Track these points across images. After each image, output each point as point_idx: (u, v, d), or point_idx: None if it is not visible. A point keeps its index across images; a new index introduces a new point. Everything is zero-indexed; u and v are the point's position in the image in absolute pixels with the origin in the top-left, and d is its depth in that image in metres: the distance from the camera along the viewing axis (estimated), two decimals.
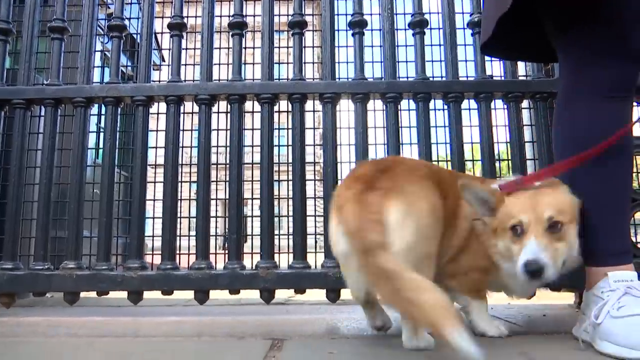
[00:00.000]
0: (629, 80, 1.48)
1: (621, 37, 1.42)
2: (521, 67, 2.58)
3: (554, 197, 1.39)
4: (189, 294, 2.17)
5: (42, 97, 2.29)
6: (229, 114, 2.34)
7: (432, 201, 1.37)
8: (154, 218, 2.84)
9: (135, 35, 3.19)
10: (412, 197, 1.33)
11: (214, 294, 2.30)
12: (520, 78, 2.48)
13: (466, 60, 2.65)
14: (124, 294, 2.16)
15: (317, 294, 2.25)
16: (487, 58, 2.31)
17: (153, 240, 2.87)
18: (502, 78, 2.37)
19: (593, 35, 1.45)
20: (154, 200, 3.06)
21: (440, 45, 2.53)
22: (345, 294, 2.21)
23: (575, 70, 1.53)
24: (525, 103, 2.40)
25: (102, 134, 2.39)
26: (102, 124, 2.72)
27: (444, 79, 2.37)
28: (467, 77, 2.55)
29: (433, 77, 2.44)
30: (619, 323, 1.32)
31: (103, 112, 2.52)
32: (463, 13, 2.73)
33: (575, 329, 1.50)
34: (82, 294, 2.24)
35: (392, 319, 1.64)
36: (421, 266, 1.25)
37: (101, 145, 2.37)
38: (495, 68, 2.48)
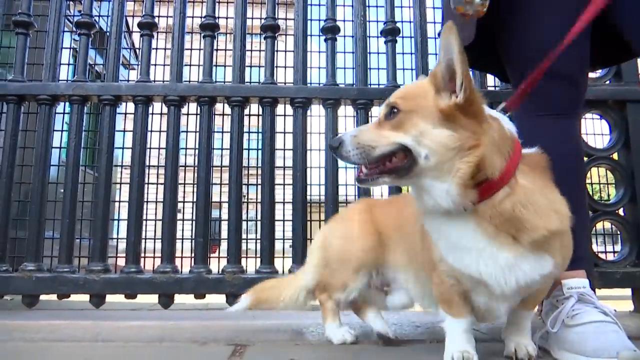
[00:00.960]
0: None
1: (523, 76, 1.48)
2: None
3: (408, 86, 1.33)
4: (155, 298, 2.14)
5: (5, 94, 2.23)
6: (198, 116, 2.32)
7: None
8: (118, 220, 2.78)
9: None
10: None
11: (181, 299, 2.27)
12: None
13: None
14: (86, 297, 2.11)
15: None
16: None
17: (117, 242, 2.81)
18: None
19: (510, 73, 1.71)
20: (119, 201, 3.01)
21: (411, 53, 2.56)
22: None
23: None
24: None
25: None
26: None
27: None
28: None
29: (404, 84, 2.45)
30: (573, 331, 1.36)
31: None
32: (435, 23, 2.77)
33: (535, 336, 1.53)
34: (44, 297, 2.18)
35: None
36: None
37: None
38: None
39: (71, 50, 3.16)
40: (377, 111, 2.47)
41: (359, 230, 1.58)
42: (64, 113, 2.55)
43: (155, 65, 2.97)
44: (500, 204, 1.10)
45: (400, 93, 1.20)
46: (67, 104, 2.34)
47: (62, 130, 2.58)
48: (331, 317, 1.63)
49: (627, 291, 2.29)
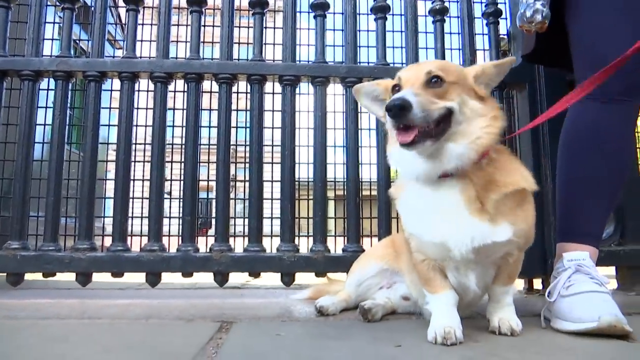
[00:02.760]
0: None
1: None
2: None
3: (439, 61, 1.45)
4: (143, 278, 2.13)
5: None
6: (185, 93, 2.28)
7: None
8: (104, 198, 2.76)
9: None
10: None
11: (169, 278, 2.26)
12: None
13: (427, 48, 2.66)
14: (73, 277, 2.10)
15: (274, 279, 2.24)
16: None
17: (104, 221, 2.79)
18: None
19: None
20: (105, 180, 2.98)
21: (401, 31, 2.53)
22: (300, 278, 2.22)
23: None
24: None
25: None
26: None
27: (404, 65, 2.37)
28: None
29: (394, 63, 2.44)
30: (566, 301, 1.44)
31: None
32: (426, 0, 2.73)
33: (543, 309, 1.56)
34: (30, 277, 2.16)
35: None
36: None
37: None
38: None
39: (55, 25, 3.08)
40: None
41: (383, 247, 1.83)
42: (47, 89, 2.49)
43: (141, 41, 2.91)
44: (484, 169, 1.30)
45: (440, 65, 1.33)
46: (51, 80, 2.28)
47: (46, 107, 2.52)
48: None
49: (612, 270, 2.33)
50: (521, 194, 1.33)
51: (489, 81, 1.39)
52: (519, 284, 2.58)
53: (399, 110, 1.18)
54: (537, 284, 2.43)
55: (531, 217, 1.38)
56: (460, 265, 1.36)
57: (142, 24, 3.01)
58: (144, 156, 2.56)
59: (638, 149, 2.37)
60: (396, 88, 1.34)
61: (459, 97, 1.28)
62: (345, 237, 2.24)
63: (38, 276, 2.14)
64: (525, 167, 1.40)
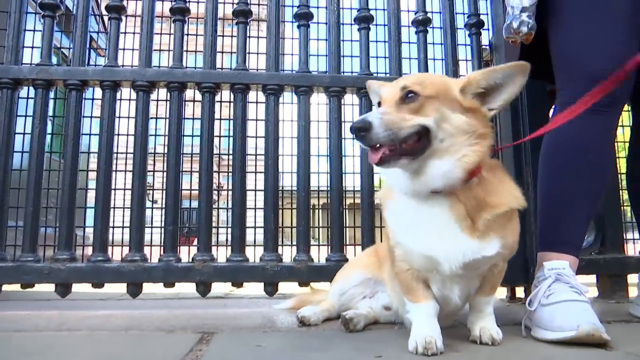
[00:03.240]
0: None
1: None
2: None
3: (421, 75, 1.42)
4: (124, 288, 2.09)
5: None
6: (168, 102, 2.27)
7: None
8: (85, 207, 2.72)
9: None
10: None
11: (151, 289, 2.23)
12: None
13: (410, 58, 2.68)
14: (52, 288, 2.06)
15: (257, 288, 2.22)
16: None
17: (84, 231, 2.75)
18: None
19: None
20: (86, 189, 2.94)
21: (385, 41, 2.55)
22: (284, 287, 2.21)
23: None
24: None
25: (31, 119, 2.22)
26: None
27: (387, 75, 2.38)
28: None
29: (377, 72, 2.45)
30: (546, 310, 1.45)
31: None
32: (409, 11, 2.76)
33: (524, 318, 1.57)
34: (8, 288, 2.12)
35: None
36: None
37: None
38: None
39: (35, 33, 3.05)
40: (351, 99, 2.46)
41: (367, 256, 1.83)
42: (27, 98, 2.46)
43: (124, 49, 2.89)
44: (473, 189, 1.26)
45: (415, 80, 1.28)
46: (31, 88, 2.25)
47: (25, 116, 2.49)
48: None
49: (592, 278, 2.35)
50: (512, 211, 1.33)
51: (480, 89, 1.30)
52: (502, 292, 2.60)
53: (358, 132, 1.17)
54: (520, 292, 2.45)
55: (517, 230, 1.38)
56: (446, 279, 1.35)
57: (125, 33, 3.00)
58: (126, 165, 2.53)
59: (617, 159, 2.40)
60: (379, 104, 1.33)
61: (437, 112, 1.23)
62: (329, 246, 2.24)
63: (17, 287, 2.10)
64: (514, 183, 1.37)
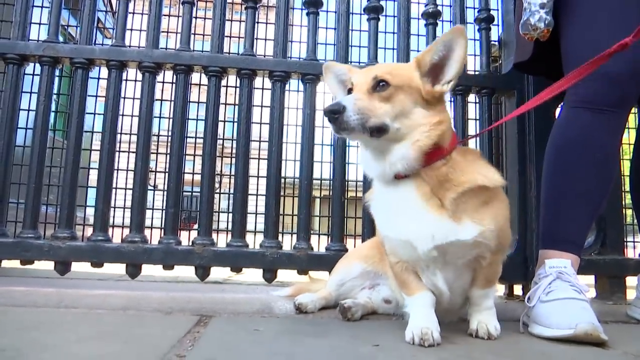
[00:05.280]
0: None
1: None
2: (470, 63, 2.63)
3: (390, 64, 1.43)
4: (123, 269, 2.10)
5: None
6: (174, 85, 2.26)
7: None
8: (87, 187, 2.72)
9: None
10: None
11: (151, 271, 2.24)
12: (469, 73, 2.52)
13: (418, 50, 2.65)
14: (52, 266, 2.06)
15: (256, 275, 2.22)
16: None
17: (85, 211, 2.75)
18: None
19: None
20: (88, 168, 2.94)
21: (394, 33, 2.53)
22: (283, 275, 2.21)
23: None
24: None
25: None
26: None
27: None
28: None
29: None
30: (545, 306, 1.46)
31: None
32: (419, 3, 2.74)
33: (522, 314, 1.57)
34: (8, 265, 2.12)
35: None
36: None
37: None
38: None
39: (43, 9, 3.03)
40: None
41: (368, 248, 1.81)
42: (33, 74, 2.45)
43: (131, 30, 2.87)
44: (438, 169, 1.31)
45: (387, 69, 1.35)
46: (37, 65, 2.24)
47: (30, 92, 2.48)
48: None
49: (591, 278, 2.35)
50: (485, 192, 1.32)
51: (432, 64, 1.36)
52: (500, 289, 2.60)
53: (331, 114, 1.23)
54: (518, 290, 2.45)
55: (502, 217, 1.36)
56: (429, 264, 1.36)
57: (133, 13, 2.97)
58: (129, 146, 2.53)
59: (622, 161, 2.39)
60: (350, 91, 1.37)
61: (401, 104, 1.30)
62: (329, 236, 2.24)
63: (16, 264, 2.10)
64: (488, 164, 1.40)
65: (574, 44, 1.67)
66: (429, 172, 1.31)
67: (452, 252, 1.31)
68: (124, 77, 2.28)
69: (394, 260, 1.43)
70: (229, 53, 2.35)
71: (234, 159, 2.24)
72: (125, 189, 2.82)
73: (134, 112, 2.72)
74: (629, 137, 2.69)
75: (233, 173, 2.25)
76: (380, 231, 1.44)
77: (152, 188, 3.17)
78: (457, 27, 1.37)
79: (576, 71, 1.46)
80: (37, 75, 2.25)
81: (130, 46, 2.33)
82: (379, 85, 1.30)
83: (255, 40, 2.37)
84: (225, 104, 2.52)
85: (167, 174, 2.20)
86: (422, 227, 1.29)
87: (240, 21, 2.47)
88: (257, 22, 2.39)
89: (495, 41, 2.53)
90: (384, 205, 1.40)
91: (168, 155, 2.21)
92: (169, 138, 2.23)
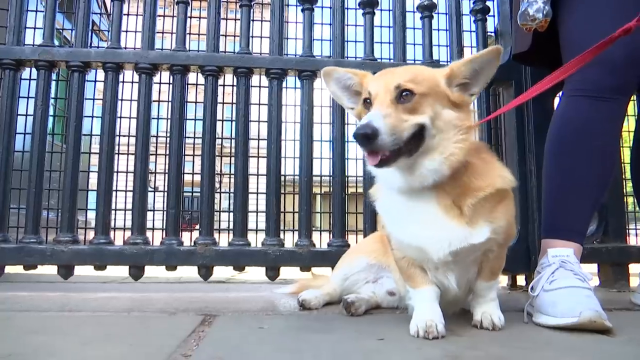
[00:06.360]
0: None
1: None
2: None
3: (410, 69, 1.35)
4: (127, 272, 2.10)
5: None
6: (170, 85, 2.26)
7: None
8: (87, 190, 2.72)
9: None
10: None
11: (153, 272, 2.24)
12: None
13: (414, 44, 2.65)
14: (55, 270, 2.07)
15: (259, 274, 2.22)
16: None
17: (86, 214, 2.75)
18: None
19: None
20: (88, 172, 2.94)
21: (389, 27, 2.52)
22: (285, 273, 2.21)
23: None
24: None
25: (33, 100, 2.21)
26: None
27: (391, 60, 2.37)
28: (414, 60, 2.56)
29: (382, 58, 2.43)
30: (549, 295, 1.45)
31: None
32: None
33: (526, 304, 1.57)
34: (12, 270, 2.13)
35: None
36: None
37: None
38: None
39: (37, 14, 3.02)
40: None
41: (372, 242, 1.82)
42: (30, 79, 2.45)
43: (126, 32, 2.87)
44: (460, 178, 1.28)
45: (409, 75, 1.27)
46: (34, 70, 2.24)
47: (27, 97, 2.47)
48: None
49: (594, 267, 2.35)
50: (499, 193, 1.31)
51: (464, 79, 1.33)
52: (503, 280, 2.60)
53: (365, 139, 1.14)
54: (521, 280, 2.45)
55: (510, 213, 1.37)
56: (439, 266, 1.35)
57: (128, 15, 2.97)
58: (128, 148, 2.53)
59: (622, 148, 2.39)
60: (367, 101, 1.30)
61: (431, 110, 1.24)
62: (331, 232, 2.24)
63: (19, 269, 2.10)
64: (502, 164, 1.38)
65: (574, 33, 1.66)
66: (452, 183, 1.27)
67: (465, 253, 1.31)
68: (120, 79, 2.27)
69: (400, 256, 1.42)
70: (224, 52, 2.34)
71: (233, 158, 2.23)
72: (126, 191, 2.82)
73: (131, 114, 2.72)
74: (628, 124, 2.69)
75: (233, 172, 2.25)
76: (389, 231, 1.41)
77: (153, 190, 3.17)
78: (496, 48, 1.33)
79: (577, 58, 1.44)
80: (34, 79, 2.26)
81: (126, 48, 2.33)
82: (402, 96, 1.23)
83: (250, 38, 2.37)
84: (223, 103, 2.52)
85: (167, 175, 2.20)
86: (437, 234, 1.27)
87: (235, 19, 2.46)
88: (252, 20, 2.39)
89: (491, 32, 2.52)
90: (396, 209, 1.35)
91: (167, 156, 2.21)
92: (168, 139, 2.23)
